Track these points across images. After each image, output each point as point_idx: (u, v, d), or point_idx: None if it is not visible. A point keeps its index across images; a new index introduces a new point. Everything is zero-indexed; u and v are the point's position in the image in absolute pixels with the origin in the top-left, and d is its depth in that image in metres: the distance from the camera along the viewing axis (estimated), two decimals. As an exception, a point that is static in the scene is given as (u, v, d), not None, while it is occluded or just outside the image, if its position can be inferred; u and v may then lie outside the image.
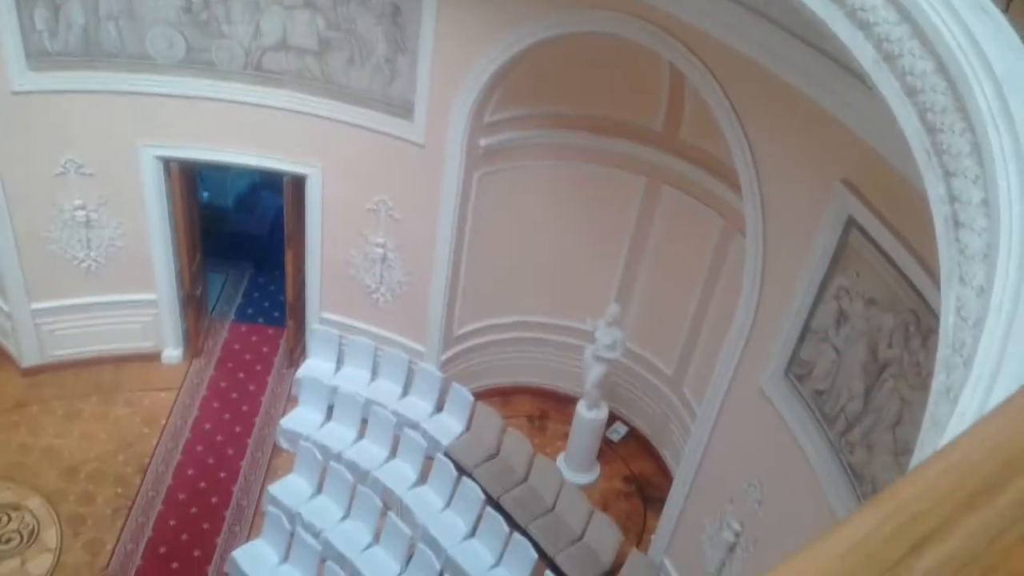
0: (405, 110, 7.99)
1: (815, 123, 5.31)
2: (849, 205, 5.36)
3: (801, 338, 6.10)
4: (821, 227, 5.61)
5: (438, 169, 8.13)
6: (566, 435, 9.60)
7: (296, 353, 10.31)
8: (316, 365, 9.81)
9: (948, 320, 3.15)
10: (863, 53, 3.76)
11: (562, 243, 9.05)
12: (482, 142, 8.02)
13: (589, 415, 9.16)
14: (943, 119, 3.43)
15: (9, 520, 8.32)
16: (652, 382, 9.58)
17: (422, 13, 7.32)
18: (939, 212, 3.37)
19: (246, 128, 8.47)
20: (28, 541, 8.18)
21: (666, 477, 9.22)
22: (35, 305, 9.28)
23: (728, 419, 7.15)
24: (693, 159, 8.09)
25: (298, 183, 8.94)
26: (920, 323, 4.89)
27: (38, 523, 8.34)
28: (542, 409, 10.32)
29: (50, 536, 8.26)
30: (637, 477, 9.65)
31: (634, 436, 10.01)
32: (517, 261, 9.15)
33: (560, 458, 9.56)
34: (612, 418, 9.68)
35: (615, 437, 9.94)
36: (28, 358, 9.60)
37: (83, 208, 8.82)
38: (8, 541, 8.16)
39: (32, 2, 7.50)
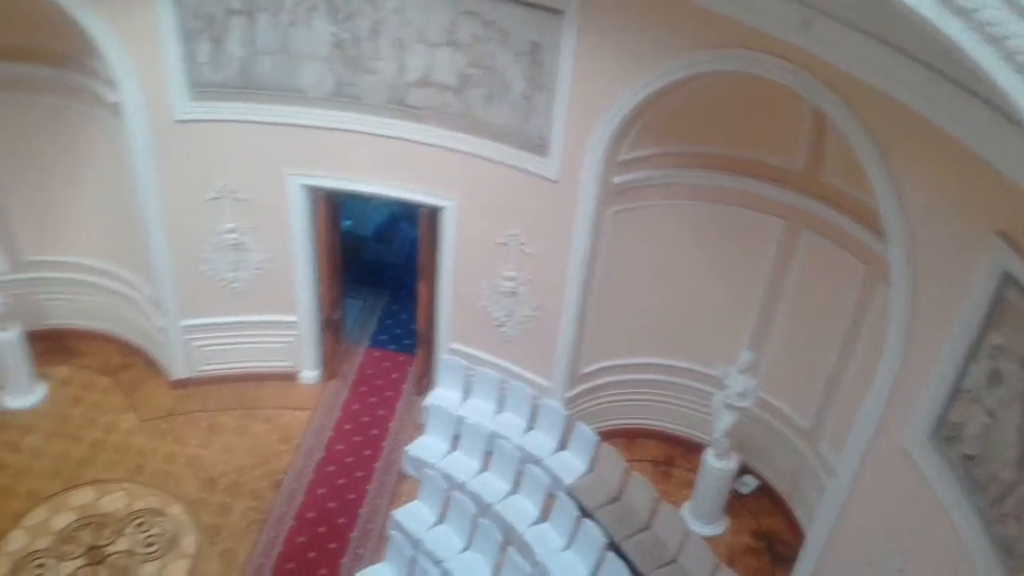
0: (540, 146, 8.02)
1: (969, 170, 4.93)
2: (1005, 259, 4.94)
3: (950, 398, 5.66)
4: (974, 281, 5.20)
5: (571, 205, 8.11)
6: (692, 483, 9.28)
7: (425, 381, 10.48)
8: (444, 394, 9.92)
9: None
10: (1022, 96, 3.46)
11: (695, 284, 8.81)
12: (616, 179, 7.94)
13: (718, 464, 8.82)
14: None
15: (152, 525, 8.79)
16: (786, 434, 9.14)
17: (561, 52, 7.35)
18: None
19: (387, 160, 8.73)
20: (169, 547, 8.61)
21: (797, 535, 8.74)
22: (185, 322, 9.85)
23: (868, 479, 6.70)
24: (835, 202, 7.71)
25: (434, 215, 9.12)
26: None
27: (178, 530, 8.76)
28: (668, 454, 10.03)
29: (189, 543, 8.65)
30: (766, 533, 9.19)
31: (765, 490, 9.56)
32: (648, 301, 8.98)
33: (685, 507, 9.24)
34: (742, 469, 9.29)
35: (744, 490, 9.53)
36: (178, 371, 10.19)
37: (234, 232, 9.32)
38: (150, 545, 8.60)
39: (198, 36, 8.01)
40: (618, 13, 6.88)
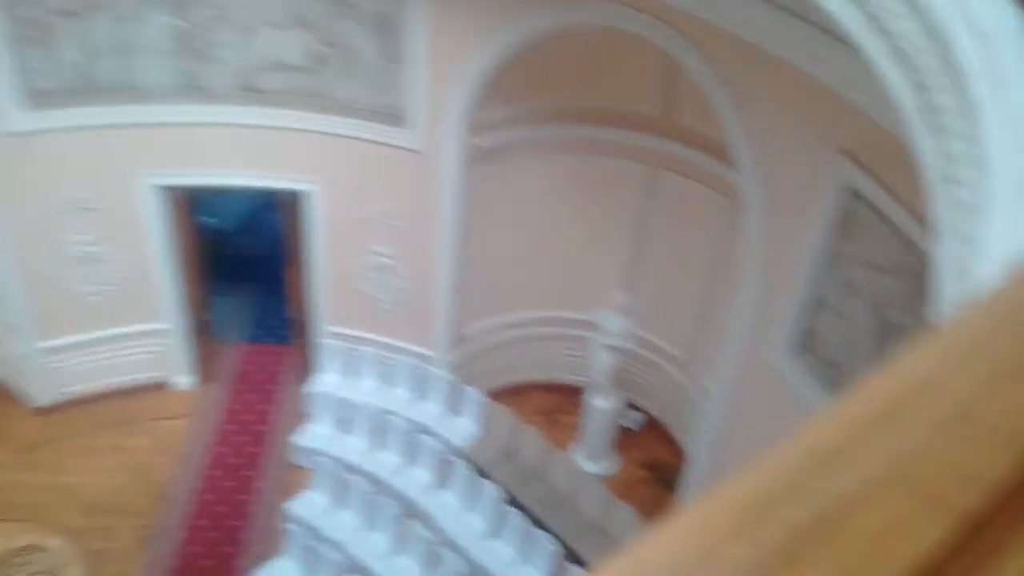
0: (401, 118, 8.05)
1: (809, 95, 5.37)
2: (848, 174, 5.42)
3: (810, 310, 6.16)
4: (822, 198, 5.67)
5: (436, 173, 8.20)
6: (581, 427, 9.65)
7: (306, 370, 10.36)
8: (326, 379, 9.84)
9: (946, 278, 3.20)
10: (850, 19, 3.81)
11: (566, 235, 9.11)
12: (479, 143, 8.09)
13: (601, 405, 9.21)
14: (931, 79, 3.48)
15: (34, 562, 8.33)
16: (664, 367, 9.63)
17: (410, 20, 7.39)
18: (932, 171, 3.42)
19: (243, 150, 8.52)
20: (54, 580, 8.20)
21: (685, 460, 9.26)
22: (45, 344, 9.31)
23: (741, 397, 7.20)
24: (692, 142, 8.16)
25: (297, 200, 8.99)
26: (927, 285, 4.94)
27: (61, 562, 8.34)
28: (555, 403, 10.36)
29: (74, 574, 8.26)
30: (656, 463, 9.69)
31: (650, 423, 10.05)
32: (521, 257, 9.21)
33: (576, 450, 9.59)
34: (628, 406, 9.72)
35: (630, 425, 9.98)
36: (40, 398, 9.63)
37: (88, 244, 8.85)
38: (35, 582, 8.18)
39: (25, 41, 7.53)
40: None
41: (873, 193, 5.22)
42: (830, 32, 4.63)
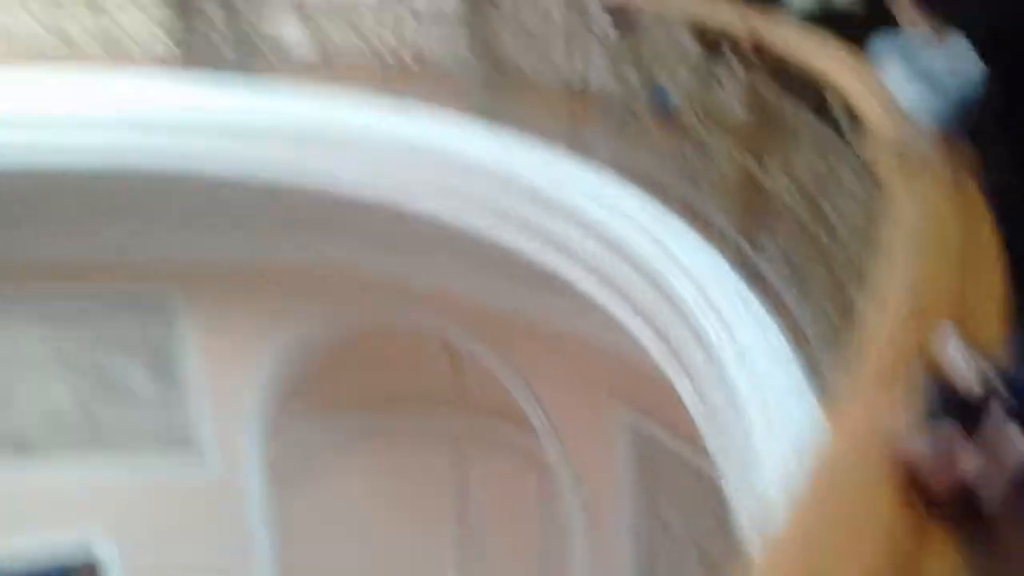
0: (191, 446, 7.61)
1: (588, 355, 5.62)
2: (637, 422, 5.65)
3: (645, 566, 6.12)
4: (618, 450, 5.84)
5: (240, 498, 7.72)
6: None
7: None
8: None
9: (731, 492, 3.38)
10: (598, 292, 4.20)
11: (390, 534, 8.61)
12: (281, 460, 7.78)
13: None
14: (672, 332, 3.80)
15: None
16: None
17: (185, 344, 7.27)
18: (696, 409, 3.67)
19: (8, 518, 7.52)
20: None
21: None
22: None
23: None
24: (491, 413, 8.12)
25: (92, 569, 7.99)
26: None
27: None
28: None
29: None
30: None
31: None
32: (354, 569, 8.58)
33: None
34: None
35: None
36: None
37: None
38: None
39: None
40: (224, 297, 7.06)
41: (662, 435, 5.44)
42: (582, 298, 4.99)
